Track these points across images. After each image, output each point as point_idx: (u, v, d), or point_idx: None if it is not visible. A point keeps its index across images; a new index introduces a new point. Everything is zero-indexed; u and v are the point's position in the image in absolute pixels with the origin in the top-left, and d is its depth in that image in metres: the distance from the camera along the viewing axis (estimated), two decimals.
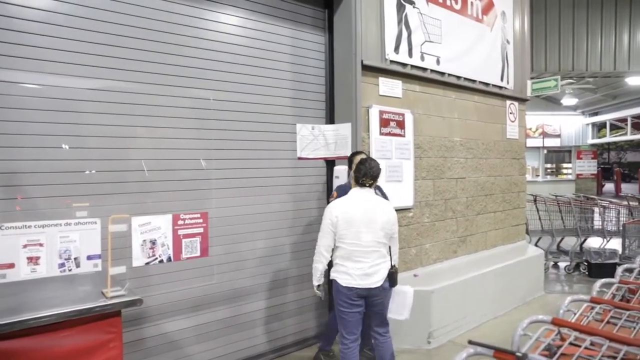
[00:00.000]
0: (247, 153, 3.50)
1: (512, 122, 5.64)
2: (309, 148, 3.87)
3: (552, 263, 6.89)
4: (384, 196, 3.48)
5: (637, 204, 6.85)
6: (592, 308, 1.59)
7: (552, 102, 16.55)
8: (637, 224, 5.96)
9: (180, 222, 2.16)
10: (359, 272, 2.78)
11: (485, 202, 5.21)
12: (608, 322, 1.50)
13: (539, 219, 6.84)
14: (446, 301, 4.17)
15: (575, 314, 1.59)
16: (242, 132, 3.47)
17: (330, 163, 3.98)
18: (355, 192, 2.91)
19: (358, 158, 3.20)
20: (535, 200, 6.79)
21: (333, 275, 2.89)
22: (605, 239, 6.47)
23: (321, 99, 4.01)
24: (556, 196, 6.90)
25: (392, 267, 2.87)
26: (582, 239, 6.66)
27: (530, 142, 18.15)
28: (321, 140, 3.90)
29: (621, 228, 6.18)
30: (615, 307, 1.55)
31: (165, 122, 3.05)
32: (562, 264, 6.84)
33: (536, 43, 9.24)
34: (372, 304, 2.87)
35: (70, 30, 2.69)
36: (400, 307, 3.10)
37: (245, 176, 3.49)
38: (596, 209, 6.74)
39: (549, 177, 18.63)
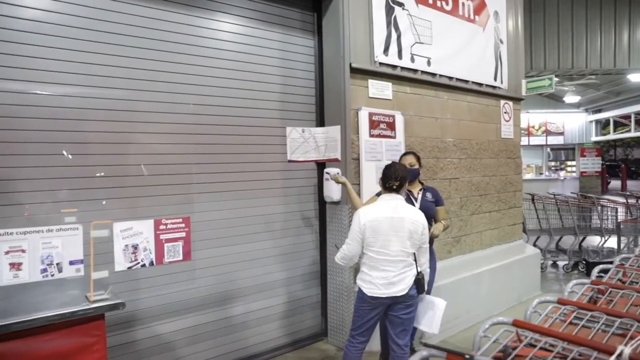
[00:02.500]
0: (236, 157, 3.55)
1: (507, 121, 5.65)
2: (300, 151, 3.90)
3: (550, 262, 6.87)
4: (437, 197, 3.56)
5: (635, 201, 6.81)
6: (559, 309, 1.62)
7: (554, 100, 16.48)
8: (633, 222, 5.93)
9: (162, 227, 2.20)
10: (384, 281, 2.76)
11: (480, 202, 5.22)
12: (571, 323, 1.52)
13: (537, 218, 6.83)
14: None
15: (541, 315, 1.61)
16: (231, 137, 3.52)
17: (320, 165, 4.01)
18: (384, 198, 2.87)
19: (402, 158, 3.46)
20: (533, 199, 6.78)
21: (359, 282, 2.88)
22: (603, 238, 6.45)
23: (311, 102, 4.05)
24: (554, 195, 6.88)
25: (419, 273, 2.81)
26: (581, 238, 6.64)
27: (534, 140, 18.09)
28: (311, 143, 3.93)
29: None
30: (580, 308, 1.57)
31: (151, 128, 3.09)
32: (561, 263, 6.82)
33: (535, 41, 9.23)
34: (394, 309, 2.84)
35: (50, 38, 2.74)
36: (429, 319, 3.01)
37: (234, 180, 3.53)
38: (594, 208, 6.72)
39: (554, 175, 18.54)
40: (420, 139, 4.48)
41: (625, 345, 1.16)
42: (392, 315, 2.88)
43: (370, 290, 2.80)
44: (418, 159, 3.58)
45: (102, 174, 2.85)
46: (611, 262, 2.33)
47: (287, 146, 3.82)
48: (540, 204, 6.71)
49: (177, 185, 3.22)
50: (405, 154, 3.63)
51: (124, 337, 2.96)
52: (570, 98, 15.09)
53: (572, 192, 7.84)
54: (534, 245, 6.93)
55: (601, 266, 2.17)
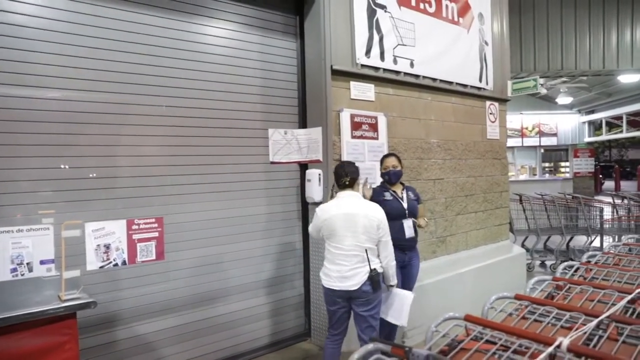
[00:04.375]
0: (217, 158, 3.58)
1: (493, 122, 5.69)
2: (282, 152, 3.94)
3: (538, 262, 6.92)
4: (418, 196, 3.67)
5: (621, 201, 6.86)
6: (515, 304, 1.65)
7: (547, 101, 16.57)
8: (616, 221, 5.98)
9: (134, 227, 2.23)
10: (337, 274, 2.89)
11: (465, 202, 5.26)
12: (524, 318, 1.56)
13: (525, 218, 6.87)
14: (422, 301, 4.22)
15: (497, 310, 1.65)
16: (213, 138, 3.55)
17: (303, 167, 4.04)
18: (340, 196, 3.02)
19: (385, 160, 3.59)
20: (520, 200, 6.82)
21: (320, 275, 3.04)
22: (589, 237, 6.50)
23: (294, 104, 4.08)
24: (542, 195, 6.93)
25: (372, 270, 2.86)
26: (568, 238, 6.69)
27: (527, 142, 18.17)
28: (294, 144, 3.97)
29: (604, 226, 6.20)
30: (533, 303, 1.61)
31: (129, 130, 3.12)
32: (549, 263, 6.87)
33: (525, 43, 9.30)
34: (355, 305, 2.94)
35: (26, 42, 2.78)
36: (397, 311, 3.10)
37: (216, 181, 3.56)
38: (581, 208, 6.77)
39: (547, 176, 18.62)
40: (403, 140, 4.52)
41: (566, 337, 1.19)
42: (355, 312, 2.99)
43: (326, 282, 2.97)
44: (400, 160, 3.63)
45: (90, 176, 2.87)
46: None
47: (269, 148, 3.86)
48: (528, 204, 6.75)
49: (158, 187, 3.24)
50: (386, 155, 3.67)
51: (105, 337, 2.98)
52: (563, 99, 15.18)
53: (559, 192, 7.89)
54: (522, 245, 6.98)
55: (566, 263, 2.21)
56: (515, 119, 17.74)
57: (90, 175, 2.92)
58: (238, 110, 3.70)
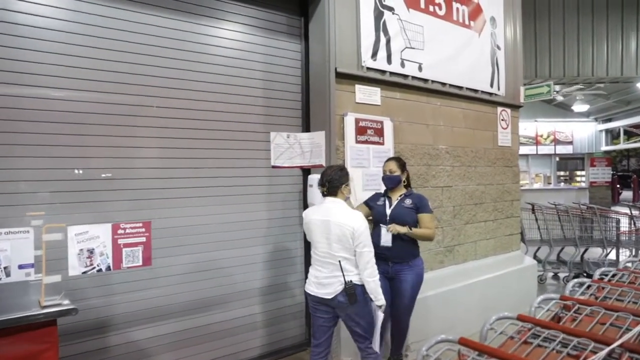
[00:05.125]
0: (216, 162, 3.48)
1: (504, 129, 5.52)
2: (284, 156, 3.84)
3: (551, 274, 6.69)
4: (420, 205, 3.38)
5: (639, 213, 6.60)
6: (517, 326, 1.51)
7: (563, 109, 16.26)
8: (632, 233, 5.74)
9: (120, 231, 2.14)
10: (315, 279, 2.89)
11: (474, 210, 5.09)
12: (525, 342, 1.41)
13: (538, 228, 6.66)
14: (426, 313, 4.07)
15: (497, 332, 1.51)
16: (211, 141, 3.46)
17: (306, 172, 3.93)
18: (325, 200, 2.94)
19: (384, 163, 3.50)
20: (533, 209, 6.61)
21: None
22: (605, 250, 6.25)
23: (297, 107, 3.98)
24: (555, 205, 6.71)
25: (348, 282, 2.72)
26: (582, 249, 6.46)
27: (542, 150, 17.83)
28: (297, 148, 3.86)
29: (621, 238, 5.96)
30: (537, 325, 1.46)
31: (124, 131, 3.04)
32: (562, 275, 6.63)
33: (540, 49, 9.09)
34: (340, 315, 2.89)
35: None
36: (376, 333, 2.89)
37: (213, 185, 3.47)
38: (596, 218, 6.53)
39: (562, 185, 18.24)
40: (410, 146, 4.38)
41: None
42: (343, 321, 2.95)
43: (306, 286, 2.97)
44: (401, 165, 3.49)
45: (77, 177, 2.80)
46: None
47: (270, 151, 3.76)
48: (541, 213, 6.54)
49: (154, 190, 3.16)
50: (387, 160, 3.54)
51: (93, 344, 2.90)
52: (579, 107, 14.85)
53: (573, 202, 7.64)
54: (534, 256, 6.77)
55: (576, 280, 2.05)
56: (529, 127, 17.44)
57: (78, 174, 2.84)
58: (239, 113, 3.61)
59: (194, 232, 3.35)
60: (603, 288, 1.98)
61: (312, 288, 2.90)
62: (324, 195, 2.92)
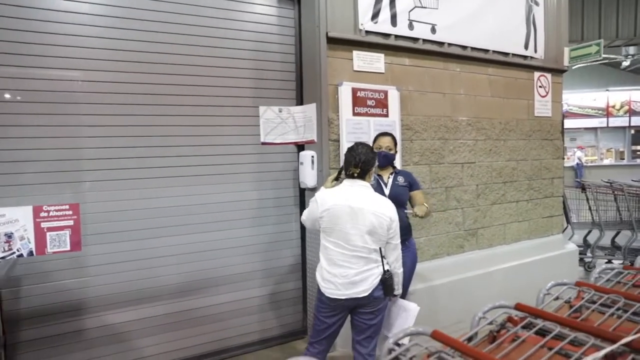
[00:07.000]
0: (199, 139, 3.29)
1: (543, 97, 4.85)
2: (276, 132, 3.56)
3: (605, 260, 5.94)
4: (411, 181, 3.10)
5: None
6: (522, 319, 1.20)
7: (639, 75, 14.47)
8: None
9: (43, 214, 2.00)
10: (344, 280, 2.42)
11: (503, 189, 4.55)
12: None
13: (589, 209, 5.90)
14: (434, 304, 3.70)
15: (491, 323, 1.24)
16: (194, 118, 3.27)
17: (301, 148, 3.65)
18: (345, 184, 2.54)
19: (378, 139, 3.11)
20: (583, 188, 5.85)
21: (317, 279, 2.55)
22: None
23: (291, 79, 3.67)
24: (610, 183, 5.89)
25: (386, 272, 2.44)
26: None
27: (614, 122, 16.12)
28: (290, 123, 3.57)
29: None
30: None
31: (94, 109, 2.92)
32: (616, 262, 5.86)
33: (587, 6, 7.91)
34: (358, 313, 2.51)
35: None
36: (400, 327, 2.62)
37: (197, 163, 3.29)
38: None
39: (639, 161, 16.43)
40: (422, 118, 3.94)
41: None
42: (357, 320, 2.54)
43: (329, 290, 2.47)
44: (396, 142, 3.12)
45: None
46: None
47: (260, 127, 3.50)
48: (591, 192, 5.77)
49: (129, 170, 3.04)
50: (381, 134, 3.16)
51: (72, 325, 2.86)
52: None
53: (633, 180, 6.69)
54: (584, 240, 6.04)
55: (604, 266, 1.65)
56: (600, 97, 15.77)
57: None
58: (226, 87, 3.38)
59: (179, 213, 3.21)
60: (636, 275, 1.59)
61: (337, 291, 2.43)
62: (353, 177, 2.52)
